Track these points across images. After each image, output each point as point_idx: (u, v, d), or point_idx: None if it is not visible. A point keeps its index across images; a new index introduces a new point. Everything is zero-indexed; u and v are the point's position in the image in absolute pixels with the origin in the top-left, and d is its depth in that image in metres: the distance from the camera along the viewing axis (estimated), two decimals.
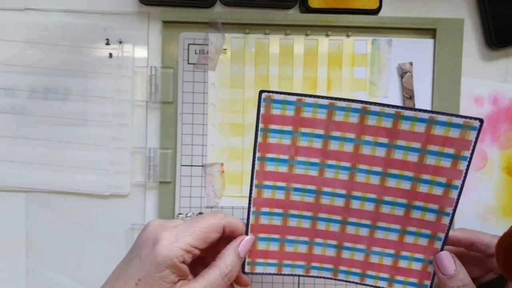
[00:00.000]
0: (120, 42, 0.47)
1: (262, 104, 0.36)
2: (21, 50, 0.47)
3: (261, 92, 0.36)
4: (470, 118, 0.35)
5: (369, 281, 0.40)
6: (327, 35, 0.47)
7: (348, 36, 0.47)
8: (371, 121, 0.36)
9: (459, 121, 0.35)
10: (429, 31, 0.47)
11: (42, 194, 0.48)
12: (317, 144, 0.37)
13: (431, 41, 0.47)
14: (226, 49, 0.47)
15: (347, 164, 0.37)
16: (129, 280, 0.34)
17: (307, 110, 0.36)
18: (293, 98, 0.36)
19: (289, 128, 0.37)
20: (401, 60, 0.47)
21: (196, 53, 0.47)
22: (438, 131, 0.35)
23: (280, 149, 0.37)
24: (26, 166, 0.47)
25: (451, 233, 0.38)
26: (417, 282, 0.39)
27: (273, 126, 0.37)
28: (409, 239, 0.38)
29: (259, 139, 0.37)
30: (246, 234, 0.38)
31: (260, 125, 0.37)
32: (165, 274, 0.34)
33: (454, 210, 0.37)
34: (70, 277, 0.48)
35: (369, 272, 0.39)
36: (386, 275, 0.39)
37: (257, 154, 0.37)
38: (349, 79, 0.47)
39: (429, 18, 0.47)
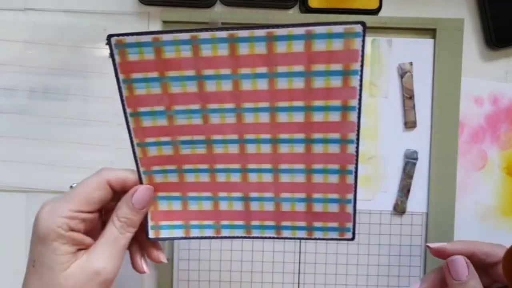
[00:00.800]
0: None
1: (115, 51, 0.32)
2: (21, 50, 0.47)
3: (109, 36, 0.31)
4: (351, 23, 0.30)
5: (286, 233, 0.36)
6: None
7: None
8: (243, 49, 0.31)
9: (340, 29, 0.30)
10: (429, 31, 0.47)
11: (42, 194, 0.48)
12: (192, 87, 0.32)
13: (431, 41, 0.47)
14: None
15: (231, 105, 0.33)
16: (29, 263, 0.33)
17: (168, 49, 0.31)
18: (148, 38, 0.31)
19: (154, 74, 0.32)
20: (401, 60, 0.47)
21: None
22: (319, 46, 0.30)
23: (151, 100, 0.33)
24: (26, 166, 0.47)
25: (450, 246, 0.37)
26: (338, 226, 0.35)
27: (135, 75, 0.32)
28: (317, 179, 0.34)
29: (125, 93, 0.33)
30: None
31: (121, 77, 0.32)
32: (54, 247, 0.32)
33: (358, 136, 0.32)
34: None
35: (284, 223, 0.35)
36: (302, 224, 0.35)
37: (128, 110, 0.33)
38: None
39: (429, 18, 0.47)
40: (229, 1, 0.47)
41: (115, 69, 0.32)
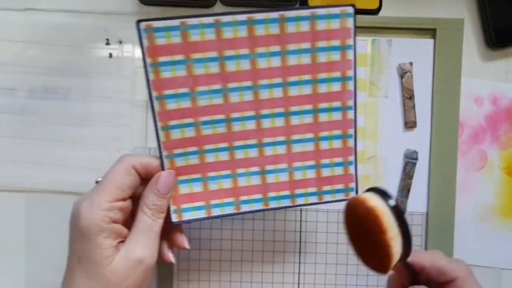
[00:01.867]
0: (120, 42, 0.47)
1: (143, 35, 0.34)
2: (21, 50, 0.47)
3: (139, 22, 0.34)
4: (344, 5, 0.36)
5: (299, 201, 0.39)
6: None
7: None
8: (259, 30, 0.35)
9: (336, 11, 0.36)
10: (429, 31, 0.47)
11: (42, 194, 0.48)
12: (214, 68, 0.35)
13: (431, 41, 0.47)
14: None
15: (249, 83, 0.36)
16: (71, 261, 0.34)
17: (194, 33, 0.34)
18: (176, 23, 0.34)
19: (180, 57, 0.35)
20: (401, 60, 0.47)
21: None
22: (321, 25, 0.36)
23: (177, 83, 0.35)
24: (26, 166, 0.47)
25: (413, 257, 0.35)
26: (343, 187, 0.40)
27: (162, 59, 0.35)
28: (324, 145, 0.39)
29: (151, 76, 0.35)
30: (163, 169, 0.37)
31: (148, 60, 0.34)
32: (99, 241, 0.33)
33: (355, 102, 0.38)
34: None
35: (298, 191, 0.39)
36: (313, 189, 0.39)
37: (153, 94, 0.35)
38: None
39: (429, 18, 0.47)
40: (229, 1, 0.47)
41: (143, 53, 0.34)
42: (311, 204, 0.39)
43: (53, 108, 0.47)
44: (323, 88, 0.37)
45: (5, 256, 0.48)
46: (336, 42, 0.36)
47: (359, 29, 0.47)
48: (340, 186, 0.40)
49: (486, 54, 0.49)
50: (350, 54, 0.37)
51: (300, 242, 0.48)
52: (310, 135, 0.38)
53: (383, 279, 0.48)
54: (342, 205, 0.47)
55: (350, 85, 0.37)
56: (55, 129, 0.47)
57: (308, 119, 0.38)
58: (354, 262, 0.48)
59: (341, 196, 0.40)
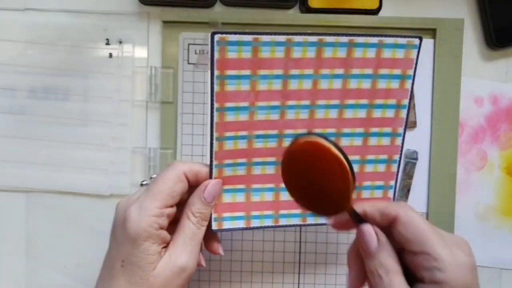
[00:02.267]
0: (120, 42, 0.47)
1: (216, 48, 0.34)
2: (21, 50, 0.47)
3: (214, 33, 0.34)
4: (411, 37, 0.37)
5: None
6: None
7: None
8: (327, 53, 0.36)
9: (403, 41, 0.37)
10: (429, 31, 0.47)
11: (42, 194, 0.48)
12: (277, 85, 0.36)
13: (431, 41, 0.47)
14: None
15: (307, 102, 0.37)
16: (114, 263, 0.33)
17: (265, 49, 0.35)
18: (249, 38, 0.34)
19: (247, 72, 0.35)
20: None
21: (196, 53, 0.47)
22: (386, 54, 0.37)
23: (239, 97, 0.35)
24: (26, 166, 0.47)
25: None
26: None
27: (229, 72, 0.35)
28: (368, 168, 0.39)
29: (216, 88, 0.35)
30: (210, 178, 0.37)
31: (216, 72, 0.34)
32: (145, 247, 0.33)
33: (405, 131, 0.39)
34: (70, 277, 0.48)
35: None
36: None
37: (215, 105, 0.35)
38: None
39: (429, 18, 0.47)
40: (229, 1, 0.47)
41: (212, 65, 0.34)
42: None
43: (53, 108, 0.47)
44: (377, 113, 0.38)
45: (5, 256, 0.48)
46: (397, 71, 0.37)
47: (358, 29, 0.47)
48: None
49: (486, 54, 0.49)
50: (408, 84, 0.38)
51: (300, 242, 0.48)
52: (356, 157, 0.39)
53: None
54: None
55: (403, 113, 0.38)
56: (55, 129, 0.47)
57: (357, 141, 0.39)
58: None
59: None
